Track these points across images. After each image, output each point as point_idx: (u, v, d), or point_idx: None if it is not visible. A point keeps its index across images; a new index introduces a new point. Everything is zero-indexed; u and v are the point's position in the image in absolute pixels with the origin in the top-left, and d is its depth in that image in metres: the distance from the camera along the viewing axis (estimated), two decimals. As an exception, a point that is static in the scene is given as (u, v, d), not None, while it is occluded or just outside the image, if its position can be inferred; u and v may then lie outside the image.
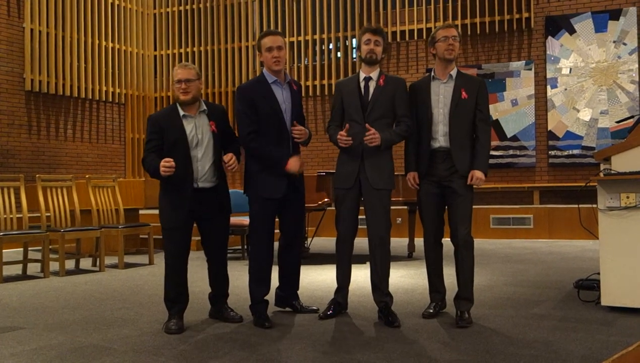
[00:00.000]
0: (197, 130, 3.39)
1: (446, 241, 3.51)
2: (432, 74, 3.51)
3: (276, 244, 3.66)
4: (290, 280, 3.74)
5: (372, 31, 3.49)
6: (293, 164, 3.40)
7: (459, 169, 3.37)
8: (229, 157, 3.37)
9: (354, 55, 10.85)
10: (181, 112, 3.40)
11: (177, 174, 3.26)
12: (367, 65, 3.51)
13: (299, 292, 3.81)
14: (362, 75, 3.53)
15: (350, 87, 3.54)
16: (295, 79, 10.83)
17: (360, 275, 4.96)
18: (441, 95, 3.44)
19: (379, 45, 3.48)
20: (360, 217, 3.58)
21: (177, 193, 3.36)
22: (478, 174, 3.35)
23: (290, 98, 3.54)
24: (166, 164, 3.20)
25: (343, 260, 3.58)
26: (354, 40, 10.83)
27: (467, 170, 3.38)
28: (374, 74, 3.50)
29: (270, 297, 3.60)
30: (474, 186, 3.39)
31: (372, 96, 3.47)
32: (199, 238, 3.58)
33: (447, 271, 3.66)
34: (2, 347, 2.99)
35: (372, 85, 3.49)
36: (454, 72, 3.47)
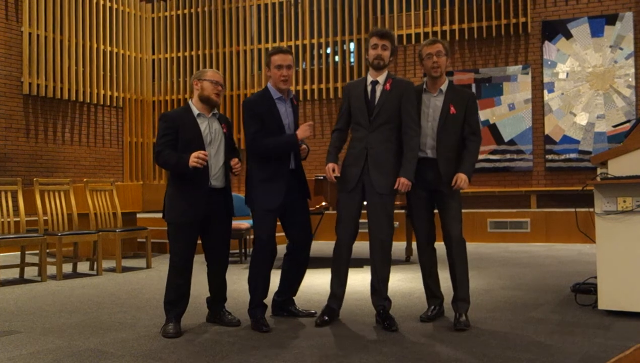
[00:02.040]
0: (211, 128, 3.46)
1: (439, 245, 3.52)
2: (424, 86, 3.53)
3: (283, 247, 3.67)
4: (291, 286, 3.75)
5: (379, 35, 3.44)
6: (302, 131, 3.46)
7: (444, 179, 3.42)
8: (235, 161, 3.47)
9: (352, 60, 10.87)
10: (196, 111, 3.44)
11: (194, 170, 3.28)
12: (374, 70, 3.50)
13: (297, 296, 3.81)
14: (370, 79, 3.50)
15: (357, 91, 3.52)
16: (293, 83, 10.86)
17: (358, 279, 4.96)
18: (431, 109, 3.47)
19: (387, 50, 3.45)
20: (361, 221, 3.58)
21: (193, 188, 3.36)
22: (462, 176, 3.37)
23: (292, 114, 3.60)
24: (201, 156, 3.24)
25: (340, 265, 3.54)
26: (352, 45, 10.86)
27: (453, 179, 3.42)
28: (381, 78, 3.47)
29: (267, 302, 3.60)
30: (459, 188, 3.39)
31: (379, 101, 3.44)
32: (198, 241, 3.58)
33: (442, 275, 3.65)
34: (-1, 351, 2.99)
35: (378, 89, 3.46)
36: (444, 86, 3.49)
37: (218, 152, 3.45)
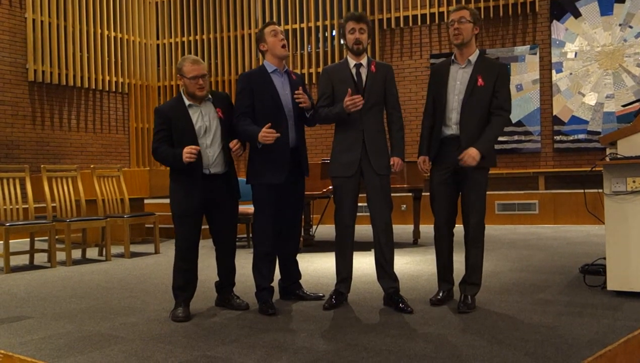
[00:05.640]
0: (204, 117, 3.43)
1: (457, 227, 3.48)
2: (452, 57, 3.40)
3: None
4: (291, 271, 3.76)
5: (356, 19, 3.45)
6: (263, 135, 3.31)
7: None
8: (233, 143, 3.43)
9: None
10: (187, 102, 3.43)
11: (188, 162, 3.28)
12: (354, 54, 3.49)
13: (303, 280, 3.82)
14: (352, 63, 3.49)
15: (342, 75, 3.49)
16: (298, 66, 10.81)
17: (365, 262, 4.96)
18: (458, 81, 3.33)
19: (364, 33, 3.46)
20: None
21: (188, 180, 3.38)
22: (472, 151, 3.19)
23: (290, 87, 3.57)
24: (192, 151, 3.24)
25: (346, 249, 3.53)
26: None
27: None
28: (364, 61, 3.49)
29: (276, 292, 3.62)
30: (467, 165, 3.20)
31: (367, 83, 3.45)
32: (206, 226, 3.59)
33: (457, 258, 3.60)
34: (10, 337, 3.02)
35: (363, 72, 3.48)
36: (473, 57, 3.33)
37: (214, 140, 3.43)
